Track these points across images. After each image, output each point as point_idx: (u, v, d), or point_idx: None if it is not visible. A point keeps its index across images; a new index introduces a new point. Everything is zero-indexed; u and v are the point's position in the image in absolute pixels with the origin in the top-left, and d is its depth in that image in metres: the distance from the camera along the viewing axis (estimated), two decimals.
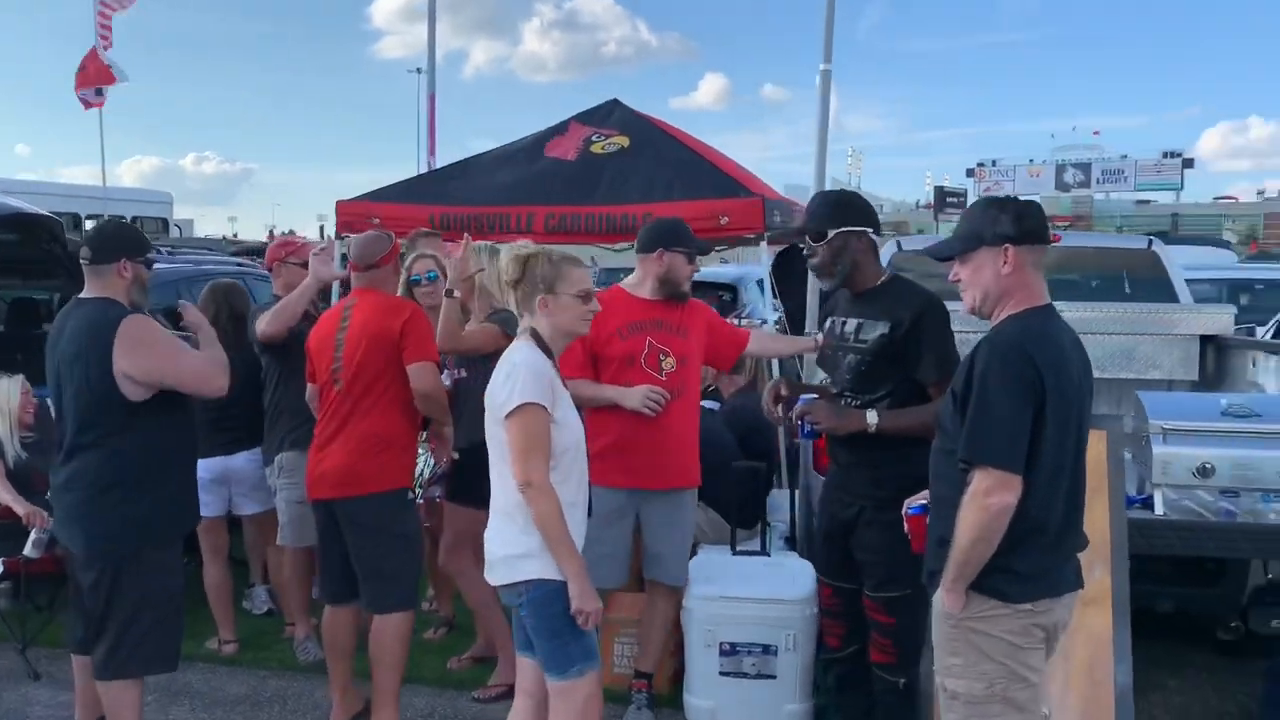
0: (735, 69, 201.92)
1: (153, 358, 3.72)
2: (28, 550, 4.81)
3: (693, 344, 4.50)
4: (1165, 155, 73.09)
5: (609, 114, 8.05)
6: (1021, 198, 3.08)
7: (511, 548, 3.22)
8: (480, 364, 4.58)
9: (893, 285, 3.85)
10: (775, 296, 7.83)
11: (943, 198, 63.63)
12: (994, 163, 73.05)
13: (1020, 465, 2.65)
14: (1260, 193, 75.55)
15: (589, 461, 3.42)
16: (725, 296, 11.13)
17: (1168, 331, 5.94)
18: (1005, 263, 2.84)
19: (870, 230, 3.84)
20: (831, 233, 3.77)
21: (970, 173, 72.68)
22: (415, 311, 4.48)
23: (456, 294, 4.57)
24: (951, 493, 2.76)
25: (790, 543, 4.99)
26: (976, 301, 2.92)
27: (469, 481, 4.58)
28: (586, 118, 8.04)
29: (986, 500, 2.64)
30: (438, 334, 4.50)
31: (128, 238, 3.89)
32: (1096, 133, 76.69)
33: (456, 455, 4.75)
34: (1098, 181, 71.58)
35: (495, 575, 3.31)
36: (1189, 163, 73.44)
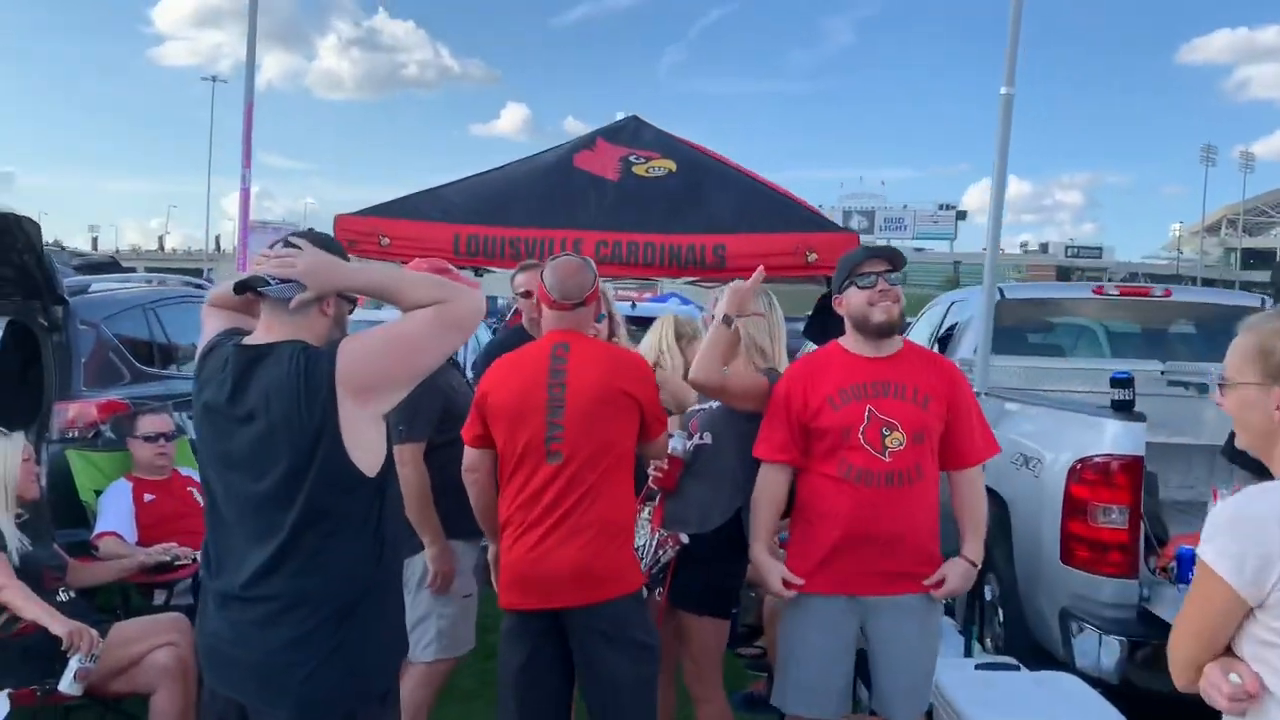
0: (537, 100, 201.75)
1: (389, 349, 2.53)
2: (66, 685, 3.44)
3: (933, 417, 3.43)
4: (941, 207, 78.24)
5: (636, 133, 7.20)
6: None
7: None
8: (731, 424, 3.66)
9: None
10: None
11: None
12: None
13: None
14: (1023, 245, 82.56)
15: (803, 561, 3.07)
16: None
17: None
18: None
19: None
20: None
21: None
22: (647, 365, 3.54)
23: (737, 325, 3.62)
24: None
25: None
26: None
27: (702, 577, 3.64)
28: (613, 136, 7.17)
29: None
30: (696, 368, 3.56)
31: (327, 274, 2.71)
32: (883, 182, 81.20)
33: (686, 540, 3.73)
34: (880, 229, 75.56)
35: None
36: (962, 214, 78.85)
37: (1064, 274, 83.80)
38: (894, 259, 3.43)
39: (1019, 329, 6.30)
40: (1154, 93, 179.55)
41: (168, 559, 4.24)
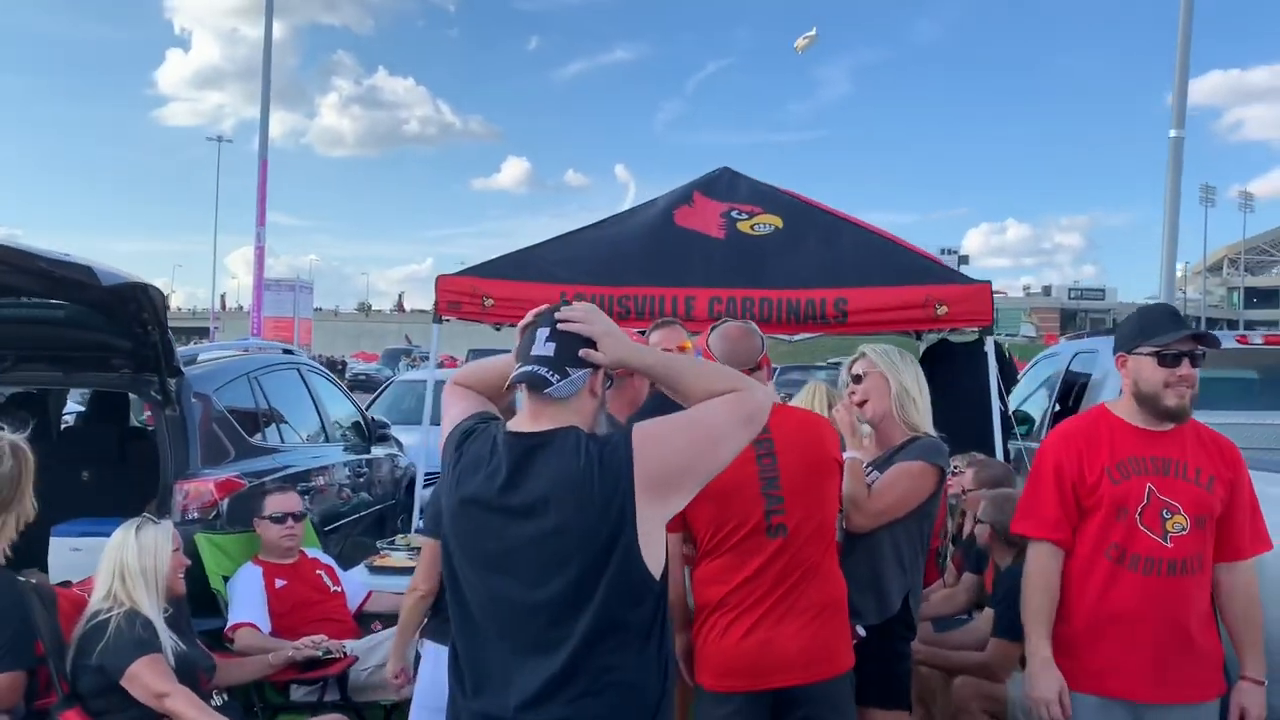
0: (538, 154, 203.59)
1: (692, 439, 2.23)
2: None
3: (1216, 501, 3.03)
4: (943, 251, 78.21)
5: (732, 185, 7.00)
6: None
7: None
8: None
9: None
10: None
11: None
12: None
13: None
14: (1026, 288, 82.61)
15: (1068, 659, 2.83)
16: None
17: None
18: None
19: None
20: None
21: None
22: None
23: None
24: None
25: None
26: None
27: (880, 668, 3.32)
28: (710, 190, 6.96)
29: None
30: (869, 515, 3.27)
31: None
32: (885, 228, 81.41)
33: (864, 634, 3.40)
34: None
35: None
36: (964, 259, 78.87)
37: (1068, 316, 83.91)
38: (1209, 343, 3.05)
39: None
40: (1149, 134, 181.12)
41: (319, 653, 3.92)
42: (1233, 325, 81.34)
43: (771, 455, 3.09)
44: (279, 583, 4.37)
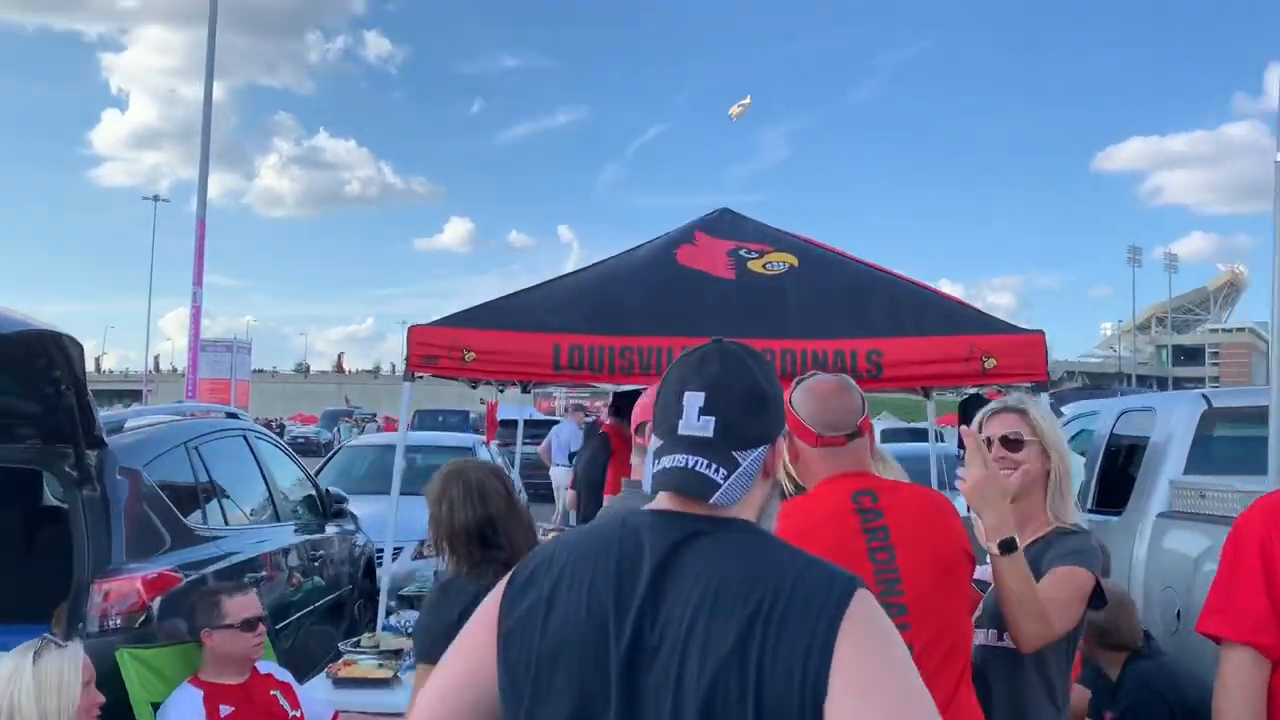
0: (481, 214, 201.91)
1: (888, 672, 1.46)
2: None
3: None
4: None
5: (735, 225, 6.28)
6: None
7: None
8: None
9: None
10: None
11: None
12: None
13: None
14: None
15: None
16: None
17: None
18: None
19: None
20: None
21: None
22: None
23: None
24: None
25: None
26: None
27: None
28: (712, 229, 6.23)
29: None
30: (1029, 636, 2.40)
31: (777, 411, 1.62)
32: None
33: None
34: None
35: None
36: None
37: None
38: None
39: (1235, 442, 5.34)
40: (1075, 197, 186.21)
41: None
42: (1162, 382, 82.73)
43: (889, 548, 2.32)
44: (225, 710, 3.45)
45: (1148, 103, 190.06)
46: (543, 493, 13.46)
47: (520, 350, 5.30)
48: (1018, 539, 2.36)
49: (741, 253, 5.89)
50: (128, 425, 4.35)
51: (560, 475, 11.54)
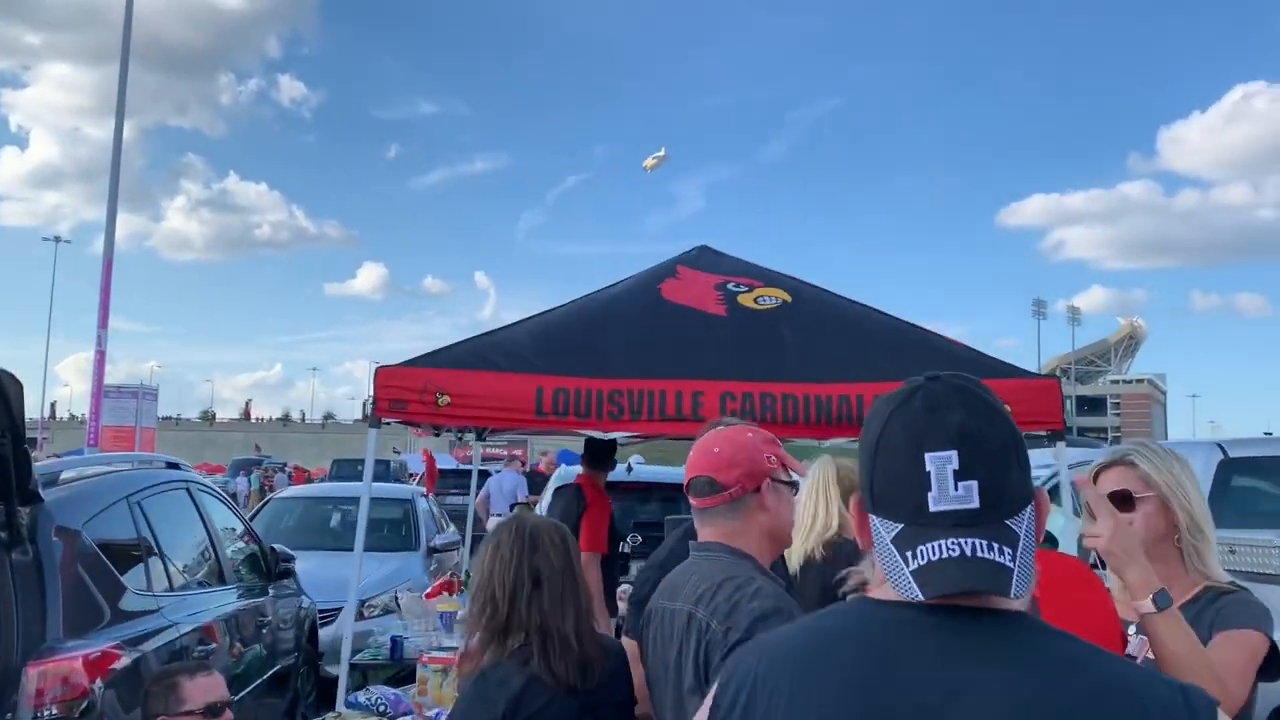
0: (395, 259, 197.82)
1: None
2: None
3: None
4: None
5: (717, 261, 5.97)
6: None
7: None
8: None
9: None
10: None
11: None
12: None
13: None
14: None
15: None
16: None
17: None
18: None
19: None
20: None
21: None
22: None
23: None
24: None
25: None
26: None
27: None
28: (693, 263, 5.89)
29: None
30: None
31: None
32: None
33: None
34: None
35: None
36: None
37: None
38: None
39: (1250, 494, 5.12)
40: (982, 252, 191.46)
41: None
42: (1068, 432, 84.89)
43: None
44: None
45: (1048, 160, 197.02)
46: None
47: (500, 393, 4.84)
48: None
49: (730, 286, 5.54)
50: (63, 477, 3.76)
51: None
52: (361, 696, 4.17)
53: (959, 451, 1.11)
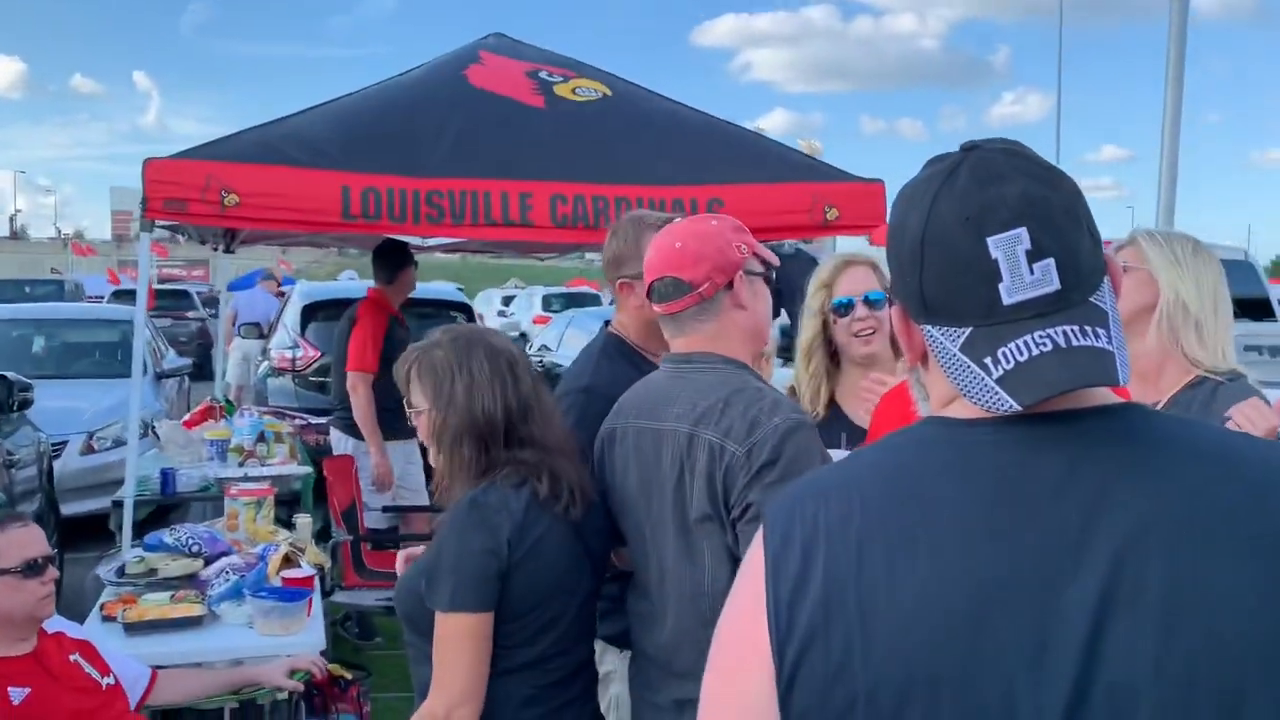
0: (35, 55, 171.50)
1: None
2: None
3: None
4: None
5: (518, 49, 5.44)
6: None
7: None
8: None
9: None
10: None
11: None
12: None
13: None
14: None
15: None
16: (460, 319, 8.52)
17: None
18: None
19: None
20: None
21: None
22: None
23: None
24: None
25: None
26: None
27: None
28: (496, 49, 5.34)
29: None
30: None
31: None
32: None
33: None
34: None
35: None
36: None
37: None
38: None
39: None
40: (677, 69, 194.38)
41: None
42: None
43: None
44: (16, 694, 2.38)
45: None
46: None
47: (300, 193, 4.18)
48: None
49: (544, 75, 5.05)
50: None
51: (251, 349, 9.89)
52: (167, 537, 3.62)
53: (1028, 228, 0.91)
